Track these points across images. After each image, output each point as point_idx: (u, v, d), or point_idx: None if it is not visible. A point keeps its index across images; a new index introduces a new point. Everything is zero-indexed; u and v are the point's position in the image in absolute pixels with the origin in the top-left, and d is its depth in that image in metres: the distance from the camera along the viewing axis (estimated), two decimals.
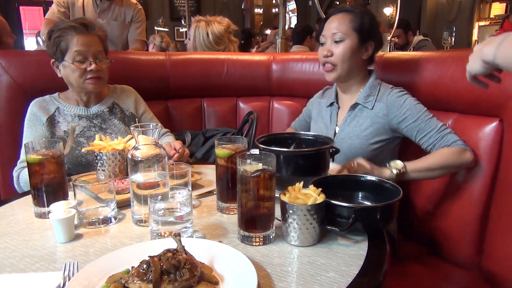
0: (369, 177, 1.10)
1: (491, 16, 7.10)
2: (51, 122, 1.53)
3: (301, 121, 1.76)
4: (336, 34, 1.40)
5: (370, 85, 1.44)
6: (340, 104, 1.54)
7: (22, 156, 1.49)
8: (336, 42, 1.40)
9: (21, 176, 1.45)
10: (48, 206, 1.04)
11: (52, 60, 1.52)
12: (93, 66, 1.48)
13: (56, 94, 1.61)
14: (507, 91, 1.19)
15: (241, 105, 2.14)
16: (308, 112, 1.71)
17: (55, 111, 1.55)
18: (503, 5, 6.94)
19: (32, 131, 1.51)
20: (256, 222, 0.90)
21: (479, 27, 7.21)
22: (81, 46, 1.46)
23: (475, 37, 7.18)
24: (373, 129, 1.41)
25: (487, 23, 7.06)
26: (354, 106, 1.45)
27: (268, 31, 8.64)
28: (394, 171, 1.26)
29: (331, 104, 1.55)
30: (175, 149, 1.40)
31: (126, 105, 1.68)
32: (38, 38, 4.17)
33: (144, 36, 2.99)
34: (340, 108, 1.53)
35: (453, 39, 7.24)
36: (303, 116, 1.75)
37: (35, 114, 1.53)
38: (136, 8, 2.87)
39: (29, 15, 10.27)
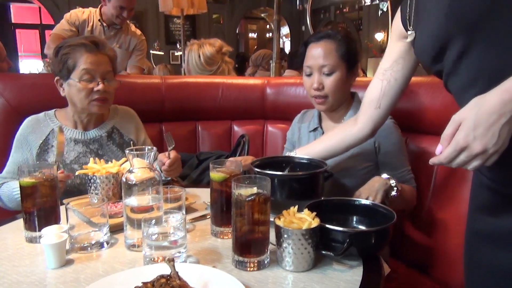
0: (363, 201, 1.10)
1: None
2: (44, 147, 1.46)
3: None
4: (325, 67, 1.37)
5: (355, 109, 1.42)
6: (325, 129, 1.50)
7: (4, 173, 1.45)
8: (326, 74, 1.38)
9: (2, 191, 1.40)
10: (39, 230, 1.02)
11: (57, 78, 1.46)
12: (100, 86, 1.41)
13: (53, 112, 1.53)
14: None
15: (236, 128, 2.15)
16: (291, 141, 1.63)
17: (49, 134, 1.48)
18: None
19: (18, 155, 1.46)
20: (250, 247, 0.90)
21: None
22: (89, 64, 1.40)
23: None
24: (363, 156, 1.39)
25: None
26: None
27: None
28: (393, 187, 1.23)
29: (315, 129, 1.51)
30: (166, 157, 1.37)
31: (126, 130, 1.61)
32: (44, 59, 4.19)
33: (142, 64, 3.11)
34: (324, 133, 1.49)
35: None
36: (288, 146, 1.64)
37: (25, 137, 1.46)
38: (140, 38, 3.00)
39: (25, 37, 10.37)
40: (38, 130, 1.48)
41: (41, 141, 1.47)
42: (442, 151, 0.74)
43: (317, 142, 1.33)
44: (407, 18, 0.93)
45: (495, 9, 0.70)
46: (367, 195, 1.19)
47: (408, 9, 0.92)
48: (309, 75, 1.41)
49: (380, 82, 1.11)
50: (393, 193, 1.23)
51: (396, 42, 1.04)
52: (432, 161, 0.78)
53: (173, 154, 1.39)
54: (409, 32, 0.93)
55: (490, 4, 0.70)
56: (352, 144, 1.25)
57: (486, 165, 0.69)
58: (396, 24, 1.01)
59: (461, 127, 0.70)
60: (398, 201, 1.26)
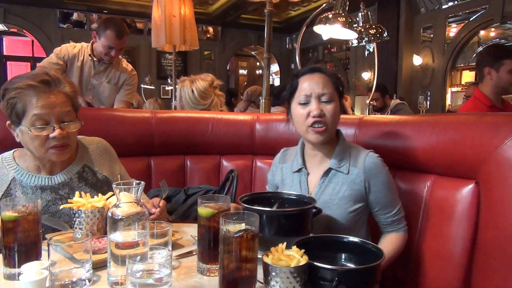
0: (352, 238, 1.09)
1: (462, 82, 7.55)
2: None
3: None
4: (325, 94, 1.33)
5: (341, 147, 1.39)
6: (309, 169, 1.44)
7: None
8: (325, 102, 1.34)
9: None
10: (19, 267, 0.98)
11: (8, 122, 1.28)
12: (56, 133, 1.23)
13: (10, 154, 1.34)
14: (480, 155, 1.24)
15: (225, 163, 2.15)
16: (273, 183, 1.57)
17: (10, 184, 1.29)
18: (473, 73, 7.42)
19: None
20: (238, 285, 0.88)
21: (452, 92, 7.64)
22: (41, 108, 1.21)
23: (448, 101, 7.57)
24: (352, 197, 1.34)
25: (459, 89, 7.49)
26: (328, 171, 1.38)
27: None
28: None
29: (299, 170, 1.44)
30: (154, 206, 1.33)
31: (99, 166, 1.45)
32: None
33: (131, 99, 3.08)
34: (309, 174, 1.43)
35: (428, 103, 7.62)
36: (270, 189, 1.58)
37: None
38: (131, 74, 2.99)
39: (15, 70, 10.44)
40: None
41: (1, 194, 1.28)
42: None
43: None
44: None
45: None
46: None
47: None
48: (305, 104, 1.35)
49: None
50: None
51: None
52: None
53: (162, 203, 1.34)
54: None
55: None
56: None
57: None
58: None
59: None
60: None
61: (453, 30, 7.39)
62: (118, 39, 2.72)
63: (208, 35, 10.78)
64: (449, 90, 7.65)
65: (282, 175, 1.51)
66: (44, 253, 1.06)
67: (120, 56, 2.94)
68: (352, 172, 1.35)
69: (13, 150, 1.37)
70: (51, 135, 1.23)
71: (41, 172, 1.34)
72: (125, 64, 3.00)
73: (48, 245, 0.96)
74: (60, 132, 1.24)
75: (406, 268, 1.46)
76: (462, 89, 7.33)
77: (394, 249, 1.34)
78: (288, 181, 1.48)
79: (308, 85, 1.36)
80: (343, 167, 1.36)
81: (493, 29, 6.96)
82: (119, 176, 1.54)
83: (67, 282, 0.95)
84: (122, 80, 2.94)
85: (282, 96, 1.43)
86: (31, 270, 0.92)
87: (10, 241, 1.02)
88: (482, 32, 7.07)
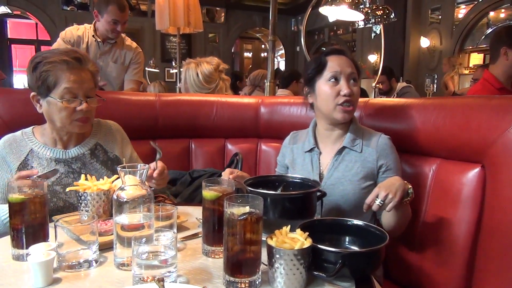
0: (356, 222, 1.10)
1: (470, 65, 7.43)
2: (23, 169, 1.36)
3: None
4: (353, 74, 1.40)
5: (355, 128, 1.43)
6: (322, 149, 1.48)
7: None
8: (353, 82, 1.39)
9: None
10: (27, 248, 1.00)
11: (33, 93, 1.37)
12: (83, 106, 1.34)
13: (30, 129, 1.44)
14: (487, 138, 1.23)
15: (229, 146, 2.15)
16: (282, 164, 1.60)
17: (28, 155, 1.39)
18: (481, 55, 7.29)
19: None
20: (242, 267, 0.88)
21: (459, 75, 7.53)
22: (72, 83, 1.31)
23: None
24: (364, 174, 1.37)
25: (467, 72, 7.37)
26: (341, 150, 1.41)
27: None
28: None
29: (311, 150, 1.48)
30: (152, 168, 1.32)
31: (110, 146, 1.53)
32: None
33: (140, 77, 3.04)
34: (321, 154, 1.47)
35: (435, 86, 7.52)
36: (280, 170, 1.61)
37: (4, 158, 1.37)
38: (136, 51, 2.96)
39: (20, 53, 10.43)
40: (16, 150, 1.39)
41: (19, 163, 1.38)
42: None
43: None
44: None
45: None
46: (387, 192, 1.15)
47: None
48: (335, 81, 1.38)
49: None
50: (408, 198, 1.21)
51: None
52: None
53: (160, 163, 1.34)
54: None
55: None
56: None
57: None
58: None
59: None
60: (401, 213, 1.26)
61: (462, 12, 7.23)
62: (121, 12, 2.70)
63: (213, 17, 10.68)
64: None
65: (293, 155, 1.54)
66: (51, 235, 1.07)
67: (123, 35, 2.91)
68: (365, 151, 1.40)
69: (33, 126, 1.47)
70: (78, 108, 1.34)
71: (57, 146, 1.44)
72: (129, 42, 2.96)
73: (55, 226, 0.97)
74: (86, 106, 1.35)
75: (410, 251, 1.46)
76: (470, 72, 7.21)
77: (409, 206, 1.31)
78: (299, 160, 1.51)
79: (338, 64, 1.40)
80: (357, 146, 1.41)
81: (503, 10, 6.80)
82: (123, 159, 1.54)
83: (74, 263, 0.97)
84: (128, 59, 2.91)
85: (306, 75, 1.45)
86: (39, 251, 0.93)
87: (18, 223, 1.03)
88: (491, 14, 6.91)
